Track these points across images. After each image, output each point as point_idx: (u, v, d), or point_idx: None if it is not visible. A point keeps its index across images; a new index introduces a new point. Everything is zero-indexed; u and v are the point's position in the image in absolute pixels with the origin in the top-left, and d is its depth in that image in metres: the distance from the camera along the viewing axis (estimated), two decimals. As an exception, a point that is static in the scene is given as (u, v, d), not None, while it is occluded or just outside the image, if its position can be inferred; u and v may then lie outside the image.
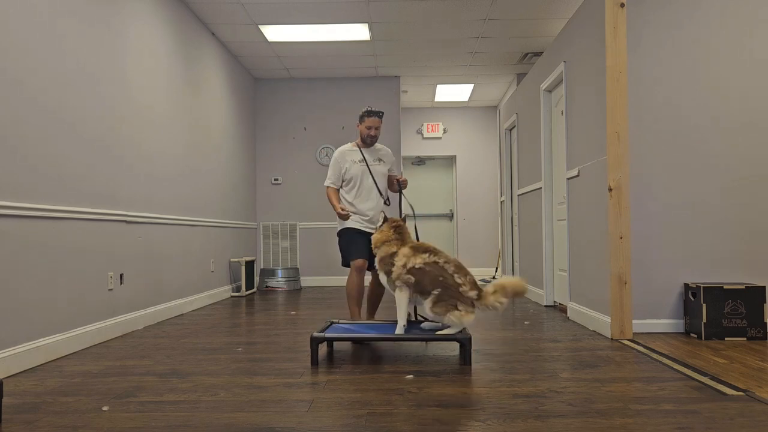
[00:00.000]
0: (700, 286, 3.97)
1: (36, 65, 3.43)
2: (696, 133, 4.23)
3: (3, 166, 3.13)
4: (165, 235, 5.22)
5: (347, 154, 4.29)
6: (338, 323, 3.83)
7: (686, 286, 4.13)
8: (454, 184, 10.72)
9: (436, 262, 3.47)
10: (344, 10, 6.08)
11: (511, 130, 7.90)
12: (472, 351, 3.32)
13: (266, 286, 8.05)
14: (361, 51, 7.44)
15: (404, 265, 3.51)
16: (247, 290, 7.28)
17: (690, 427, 2.20)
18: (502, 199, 8.23)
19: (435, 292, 3.44)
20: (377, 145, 4.38)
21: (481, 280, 9.11)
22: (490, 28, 6.65)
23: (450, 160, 10.83)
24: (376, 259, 3.69)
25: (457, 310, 3.36)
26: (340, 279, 8.51)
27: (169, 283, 5.34)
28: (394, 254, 3.59)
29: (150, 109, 4.99)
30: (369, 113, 4.23)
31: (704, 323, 3.94)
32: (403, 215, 4.16)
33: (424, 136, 10.56)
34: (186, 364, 3.39)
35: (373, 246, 3.75)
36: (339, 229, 4.31)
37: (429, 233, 10.80)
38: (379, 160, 4.34)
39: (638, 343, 3.81)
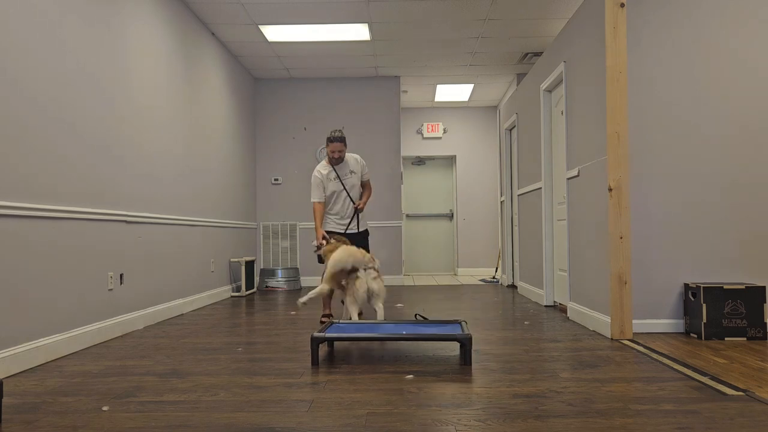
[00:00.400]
0: (700, 286, 3.97)
1: (36, 65, 3.44)
2: (696, 133, 4.23)
3: (3, 166, 3.13)
4: (165, 235, 5.22)
5: (325, 172, 5.08)
6: (338, 323, 3.83)
7: (686, 286, 4.13)
8: (454, 184, 10.72)
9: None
10: (344, 10, 6.08)
11: (511, 130, 7.90)
12: (472, 351, 3.32)
13: (266, 286, 8.05)
14: (361, 51, 7.44)
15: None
16: (247, 290, 7.28)
17: (690, 427, 2.20)
18: (502, 199, 8.23)
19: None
20: (346, 157, 5.10)
21: (481, 280, 9.11)
22: (490, 28, 6.66)
23: (450, 160, 10.83)
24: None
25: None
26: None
27: (169, 283, 5.34)
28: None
29: (150, 109, 4.99)
30: (331, 140, 4.95)
31: (704, 323, 3.94)
32: (364, 229, 5.23)
33: (424, 136, 10.56)
34: (186, 364, 3.39)
35: (323, 255, 4.80)
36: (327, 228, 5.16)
37: (429, 233, 10.80)
38: (351, 172, 5.10)
39: (638, 343, 3.81)
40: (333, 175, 5.06)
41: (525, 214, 6.78)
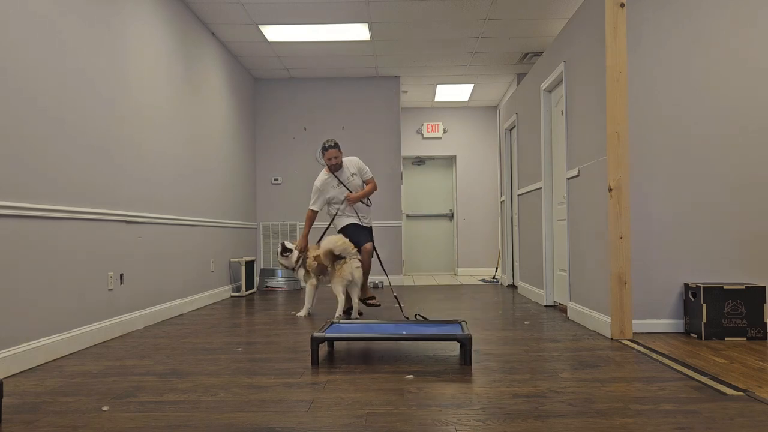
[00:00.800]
0: (700, 286, 3.97)
1: (36, 65, 3.44)
2: (696, 133, 4.23)
3: (3, 166, 3.13)
4: (165, 235, 5.22)
5: (327, 183, 5.33)
6: (338, 323, 3.83)
7: (686, 286, 4.13)
8: (454, 184, 10.72)
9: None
10: (344, 10, 6.08)
11: (511, 130, 7.90)
12: (472, 351, 3.32)
13: (266, 286, 8.05)
14: (361, 51, 7.44)
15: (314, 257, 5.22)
16: (247, 290, 7.28)
17: (690, 427, 2.20)
18: (502, 199, 8.23)
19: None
20: (345, 161, 5.34)
21: (481, 280, 9.11)
22: (490, 28, 6.66)
23: (450, 160, 10.83)
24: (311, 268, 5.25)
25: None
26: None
27: (169, 283, 5.34)
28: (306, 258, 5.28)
29: (150, 109, 4.99)
30: (325, 148, 5.21)
31: (704, 323, 3.94)
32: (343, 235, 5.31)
33: (424, 136, 10.56)
34: (186, 364, 3.39)
35: (309, 267, 5.27)
36: (340, 227, 5.45)
37: (429, 233, 10.80)
38: (352, 175, 5.33)
39: (638, 343, 3.81)
40: (335, 182, 5.32)
41: (525, 214, 6.78)
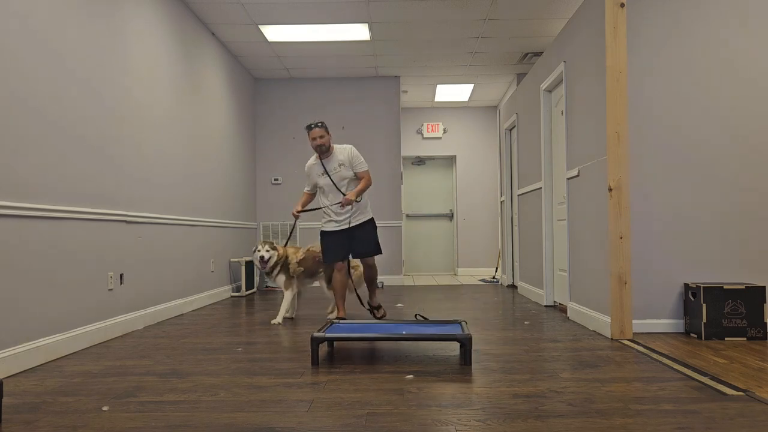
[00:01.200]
0: (700, 286, 3.97)
1: (35, 65, 3.43)
2: (696, 133, 4.23)
3: (3, 166, 3.13)
4: (165, 235, 5.22)
5: (313, 168, 4.84)
6: (338, 323, 3.83)
7: (686, 286, 4.13)
8: (454, 184, 10.72)
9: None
10: (344, 10, 6.08)
11: (511, 130, 7.90)
12: (472, 351, 3.32)
13: (266, 286, 8.05)
14: (361, 51, 7.44)
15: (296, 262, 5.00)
16: (247, 290, 7.28)
17: (690, 427, 2.20)
18: (502, 199, 8.23)
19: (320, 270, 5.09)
20: (336, 148, 4.78)
21: (481, 280, 9.11)
22: (490, 28, 6.66)
23: (450, 160, 10.83)
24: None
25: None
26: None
27: (169, 283, 5.34)
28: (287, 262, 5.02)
29: (150, 110, 4.99)
30: (309, 127, 4.69)
31: (704, 323, 3.94)
32: (366, 219, 4.90)
33: (424, 136, 10.56)
34: (186, 364, 3.39)
35: (291, 270, 4.98)
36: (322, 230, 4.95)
37: (429, 233, 10.80)
38: (340, 164, 4.73)
39: (638, 343, 3.81)
40: (320, 169, 4.77)
41: (525, 214, 6.78)
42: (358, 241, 4.78)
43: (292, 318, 5.13)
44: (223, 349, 3.80)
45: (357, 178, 4.79)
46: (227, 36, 6.81)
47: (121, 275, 4.41)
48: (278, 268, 4.95)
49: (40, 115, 3.46)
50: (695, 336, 4.02)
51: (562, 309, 5.50)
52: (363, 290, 5.21)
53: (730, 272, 4.20)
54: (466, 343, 3.28)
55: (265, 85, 8.65)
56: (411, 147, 10.60)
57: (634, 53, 4.24)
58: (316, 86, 8.63)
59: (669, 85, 4.24)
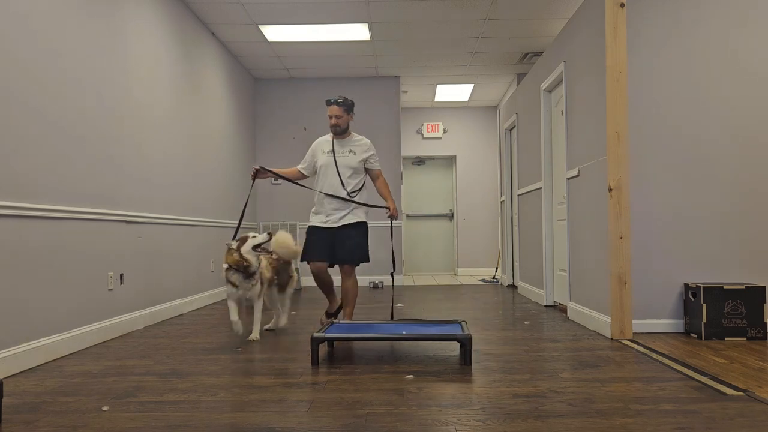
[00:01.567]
0: (700, 286, 3.97)
1: (35, 65, 3.43)
2: (696, 133, 4.23)
3: (3, 166, 3.13)
4: (165, 235, 5.22)
5: (322, 143, 4.39)
6: (338, 323, 3.83)
7: (686, 286, 4.13)
8: (454, 184, 10.72)
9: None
10: (344, 10, 6.08)
11: (511, 130, 7.90)
12: (472, 351, 3.32)
13: (266, 286, 8.03)
14: (361, 51, 7.44)
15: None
16: (247, 290, 7.28)
17: (690, 427, 2.20)
18: (502, 199, 8.23)
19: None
20: (355, 136, 4.37)
21: (481, 280, 9.11)
22: (490, 28, 6.66)
23: (450, 160, 10.83)
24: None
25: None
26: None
27: (169, 283, 5.34)
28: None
29: (150, 110, 4.99)
30: (328, 102, 4.29)
31: (704, 323, 3.94)
32: (358, 221, 4.34)
33: (424, 136, 10.56)
34: (186, 364, 3.39)
35: (262, 274, 4.10)
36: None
37: (429, 233, 10.80)
38: (350, 151, 4.30)
39: (638, 343, 3.81)
40: (328, 147, 4.33)
41: (525, 214, 6.78)
42: (342, 245, 4.23)
43: (274, 330, 4.50)
44: (223, 349, 3.80)
45: (366, 173, 4.40)
46: (227, 36, 6.81)
47: (121, 275, 4.41)
48: (256, 276, 4.00)
49: (40, 115, 3.46)
50: (695, 336, 4.02)
51: (562, 309, 5.50)
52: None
53: (730, 272, 4.20)
54: (466, 343, 3.28)
55: (265, 85, 8.64)
56: (411, 147, 10.60)
57: (634, 53, 4.24)
58: (316, 86, 8.63)
59: (669, 85, 4.24)
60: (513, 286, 7.87)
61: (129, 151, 4.58)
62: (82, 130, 3.91)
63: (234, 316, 3.97)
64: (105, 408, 2.52)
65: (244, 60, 7.73)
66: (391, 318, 4.25)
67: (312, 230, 4.34)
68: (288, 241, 4.28)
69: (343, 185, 4.25)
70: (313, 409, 2.49)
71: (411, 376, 3.04)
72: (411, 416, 2.37)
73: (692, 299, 4.06)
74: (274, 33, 6.71)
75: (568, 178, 4.99)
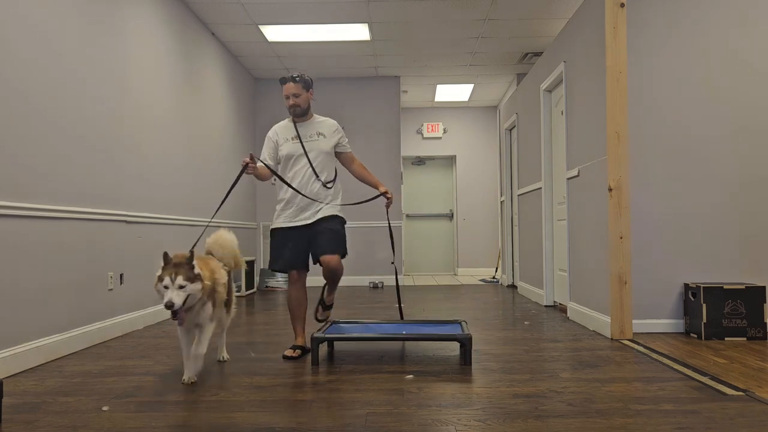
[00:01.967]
0: (700, 286, 3.97)
1: (35, 65, 3.43)
2: (696, 133, 4.23)
3: (3, 166, 3.13)
4: (165, 235, 5.22)
5: (281, 130, 3.68)
6: (338, 323, 3.83)
7: (686, 286, 4.13)
8: (454, 184, 10.71)
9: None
10: (344, 10, 6.08)
11: (511, 130, 7.90)
12: (472, 351, 3.32)
13: (266, 286, 8.05)
14: (361, 51, 7.44)
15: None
16: (247, 290, 7.28)
17: (690, 427, 2.20)
18: (502, 199, 8.23)
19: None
20: (318, 117, 3.72)
21: (481, 280, 9.11)
22: (490, 28, 6.65)
23: (450, 160, 10.83)
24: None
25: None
26: (341, 279, 8.49)
27: (169, 283, 5.33)
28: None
29: (150, 110, 4.99)
30: (282, 80, 3.61)
31: (704, 323, 3.94)
32: (334, 214, 3.67)
33: (424, 136, 10.56)
34: (186, 364, 3.38)
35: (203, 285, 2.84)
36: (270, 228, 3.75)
37: (429, 233, 10.80)
38: (319, 134, 3.65)
39: (638, 343, 3.81)
40: (292, 133, 3.65)
41: (525, 214, 6.78)
42: (320, 236, 3.58)
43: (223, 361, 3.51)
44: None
45: (336, 158, 3.77)
46: (227, 36, 6.81)
47: (121, 275, 4.41)
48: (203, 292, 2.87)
49: (40, 115, 3.46)
50: (695, 336, 4.02)
51: (562, 309, 5.50)
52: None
53: (730, 272, 4.20)
54: (466, 343, 3.28)
55: (265, 85, 8.64)
56: (411, 147, 10.60)
57: (634, 53, 4.24)
58: (316, 86, 8.62)
59: (669, 84, 4.24)
60: (513, 286, 7.87)
61: (129, 151, 4.58)
62: (82, 130, 3.91)
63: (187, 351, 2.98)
64: (105, 408, 2.52)
65: (244, 60, 7.73)
66: (401, 317, 3.98)
67: (278, 233, 3.67)
68: (228, 241, 3.52)
69: (316, 174, 3.59)
70: (313, 409, 2.49)
71: (411, 376, 3.03)
72: (411, 416, 2.37)
73: (692, 299, 4.05)
74: (274, 33, 6.71)
75: (568, 178, 4.99)
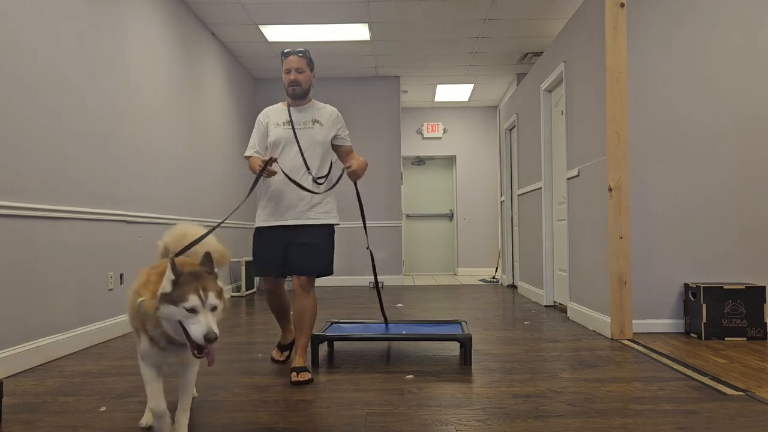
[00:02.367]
0: (700, 286, 3.97)
1: (36, 65, 3.43)
2: (696, 133, 4.23)
3: (3, 166, 3.13)
4: (165, 235, 5.21)
5: (273, 113, 3.26)
6: (338, 323, 3.83)
7: (686, 286, 4.13)
8: (454, 184, 10.71)
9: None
10: (344, 10, 6.08)
11: (511, 130, 7.90)
12: (472, 351, 3.32)
13: (266, 286, 8.03)
14: (361, 51, 7.44)
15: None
16: (246, 290, 7.28)
17: (690, 427, 2.20)
18: (502, 199, 8.23)
19: None
20: (317, 103, 3.32)
21: (481, 280, 9.10)
22: (490, 28, 6.65)
23: (450, 160, 10.83)
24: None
25: None
26: (341, 279, 8.50)
27: (169, 283, 5.33)
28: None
29: (150, 109, 4.99)
30: (285, 53, 3.26)
31: (704, 323, 3.94)
32: (327, 222, 3.20)
33: (424, 136, 10.56)
34: (186, 364, 3.38)
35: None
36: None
37: (429, 233, 10.80)
38: (314, 121, 3.21)
39: (638, 343, 3.81)
40: (284, 117, 3.22)
41: (525, 214, 6.78)
42: (299, 249, 3.11)
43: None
44: (224, 349, 3.80)
45: (334, 151, 3.32)
46: (227, 36, 6.81)
47: (121, 275, 4.41)
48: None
49: (40, 116, 3.46)
50: (695, 336, 4.02)
51: (562, 309, 5.50)
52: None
53: (730, 272, 4.20)
54: (466, 343, 3.28)
55: (265, 85, 8.64)
56: (411, 147, 10.60)
57: (634, 53, 4.24)
58: (316, 86, 8.62)
59: (669, 84, 4.24)
60: (513, 286, 7.87)
61: (129, 151, 4.58)
62: (82, 129, 3.91)
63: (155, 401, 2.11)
64: (102, 408, 2.52)
65: (244, 60, 7.73)
66: (384, 320, 3.71)
67: (259, 233, 3.22)
68: (188, 231, 2.55)
69: (307, 167, 3.14)
70: (313, 409, 2.49)
71: (411, 376, 3.03)
72: (411, 416, 2.37)
73: (692, 299, 4.06)
74: (274, 33, 6.71)
75: (568, 178, 4.99)
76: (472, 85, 9.12)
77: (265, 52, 7.41)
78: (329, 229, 3.21)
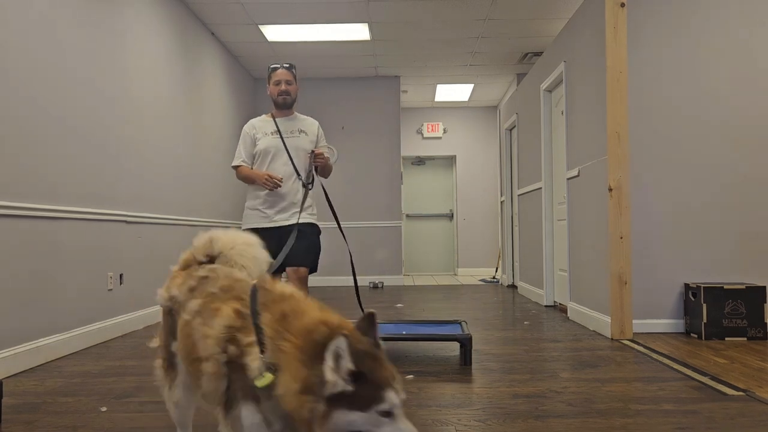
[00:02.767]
0: (700, 286, 3.96)
1: (36, 65, 3.43)
2: (696, 133, 4.23)
3: (3, 166, 3.13)
4: (165, 235, 5.22)
5: (260, 124, 3.47)
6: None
7: (686, 286, 4.13)
8: (454, 184, 10.71)
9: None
10: (344, 10, 6.08)
11: (511, 130, 7.90)
12: (472, 351, 3.31)
13: (266, 286, 8.02)
14: (361, 51, 7.44)
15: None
16: (247, 290, 7.27)
17: (690, 427, 2.20)
18: (502, 199, 8.22)
19: None
20: (299, 115, 3.55)
21: (481, 280, 9.10)
22: (490, 28, 6.65)
23: (450, 160, 10.83)
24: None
25: None
26: (341, 279, 8.50)
27: (169, 283, 5.33)
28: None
29: (150, 110, 4.99)
30: (273, 68, 3.49)
31: (704, 323, 3.94)
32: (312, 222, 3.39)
33: (424, 136, 10.56)
34: (186, 364, 3.38)
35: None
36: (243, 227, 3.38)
37: (429, 233, 10.80)
38: (300, 131, 3.45)
39: (638, 343, 3.81)
40: (271, 127, 3.42)
41: (525, 214, 6.78)
42: (300, 244, 3.14)
43: None
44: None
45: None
46: (227, 36, 6.81)
47: (121, 275, 4.41)
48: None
49: (40, 116, 3.46)
50: (695, 336, 4.02)
51: (562, 309, 5.49)
52: None
53: (730, 272, 4.20)
54: (466, 343, 3.27)
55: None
56: (411, 147, 10.59)
57: (634, 53, 4.23)
58: (316, 86, 8.62)
59: (669, 84, 4.24)
60: (513, 286, 7.87)
61: (129, 151, 4.58)
62: (82, 130, 3.91)
63: None
64: (103, 409, 2.52)
65: (244, 60, 7.72)
66: (361, 309, 3.53)
67: (258, 233, 2.85)
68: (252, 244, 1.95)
69: (297, 173, 3.37)
70: (313, 409, 2.48)
71: (411, 376, 3.03)
72: (411, 416, 2.37)
73: (692, 299, 4.05)
74: (274, 33, 6.71)
75: (568, 178, 4.99)
76: (472, 85, 9.12)
77: (265, 52, 7.40)
78: (318, 229, 3.51)
